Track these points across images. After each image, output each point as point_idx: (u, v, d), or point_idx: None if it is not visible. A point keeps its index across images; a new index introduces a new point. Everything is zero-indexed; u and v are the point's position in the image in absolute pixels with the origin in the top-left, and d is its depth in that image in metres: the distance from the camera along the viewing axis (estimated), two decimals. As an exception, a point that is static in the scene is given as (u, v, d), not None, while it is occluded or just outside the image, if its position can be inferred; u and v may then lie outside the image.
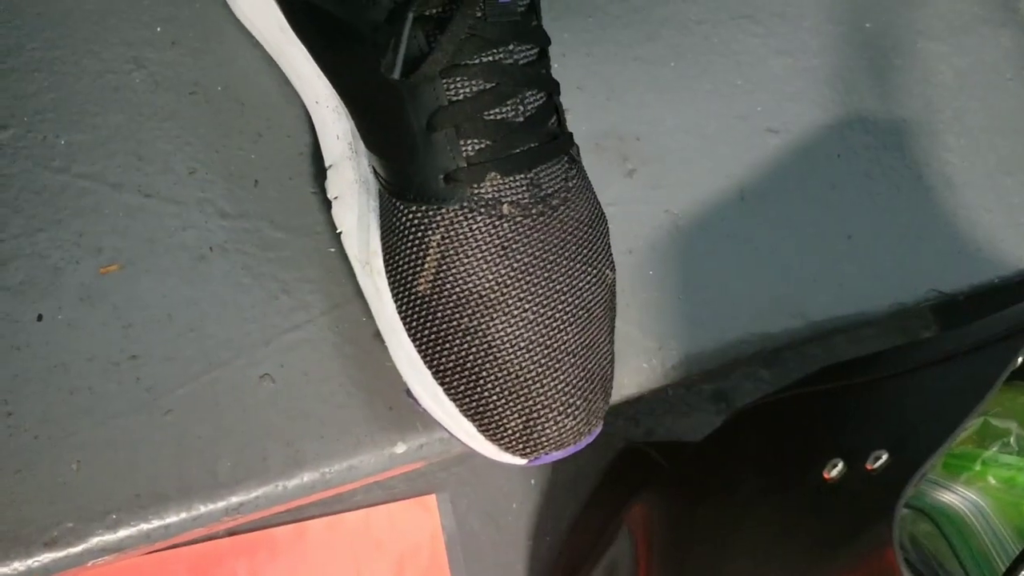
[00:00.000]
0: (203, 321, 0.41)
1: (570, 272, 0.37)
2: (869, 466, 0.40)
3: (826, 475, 0.42)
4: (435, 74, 0.34)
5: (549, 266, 0.37)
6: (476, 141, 0.35)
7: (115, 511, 0.38)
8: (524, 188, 0.36)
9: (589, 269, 0.38)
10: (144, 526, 0.38)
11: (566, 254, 0.37)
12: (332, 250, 0.44)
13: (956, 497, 0.46)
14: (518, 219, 0.36)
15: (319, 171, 0.44)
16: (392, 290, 0.38)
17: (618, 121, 0.52)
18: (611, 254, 0.40)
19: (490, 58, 0.35)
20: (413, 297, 0.37)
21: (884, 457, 0.40)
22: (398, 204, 0.37)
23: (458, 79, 0.35)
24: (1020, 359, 0.48)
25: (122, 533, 0.38)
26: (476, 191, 0.36)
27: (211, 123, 0.44)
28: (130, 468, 0.38)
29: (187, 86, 0.44)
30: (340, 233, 0.41)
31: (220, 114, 0.44)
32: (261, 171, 0.44)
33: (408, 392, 0.39)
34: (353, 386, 0.42)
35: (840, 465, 0.42)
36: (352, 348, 0.43)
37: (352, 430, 0.42)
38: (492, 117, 0.35)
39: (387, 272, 0.38)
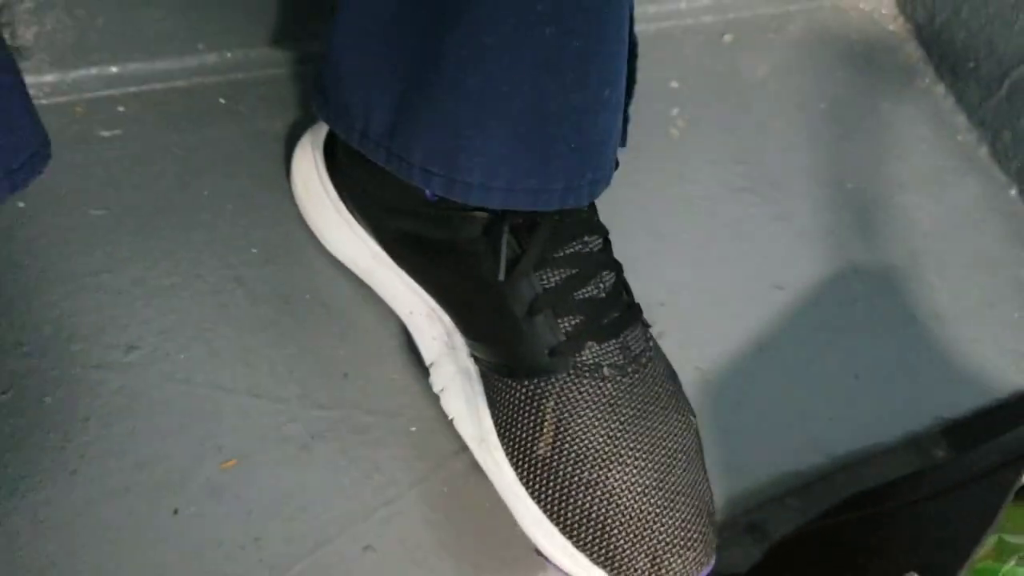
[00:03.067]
0: (311, 502, 0.47)
1: (666, 420, 0.44)
2: (903, 587, 0.45)
3: (866, 598, 0.48)
4: (529, 270, 0.42)
5: (649, 416, 0.43)
6: (571, 317, 0.43)
7: None
8: (618, 351, 0.43)
9: (679, 416, 0.44)
10: None
11: (660, 404, 0.44)
12: (414, 429, 0.50)
13: (985, 609, 0.51)
14: (617, 378, 0.43)
15: (397, 359, 0.51)
16: (511, 459, 0.44)
17: (643, 291, 0.60)
18: (689, 403, 0.47)
19: (571, 250, 0.43)
20: (534, 461, 0.43)
21: (915, 579, 0.45)
22: (509, 382, 0.44)
23: (548, 270, 0.43)
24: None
25: None
26: (578, 359, 0.43)
27: (303, 327, 0.51)
28: (259, 641, 0.44)
29: (281, 298, 0.52)
30: (452, 420, 0.48)
31: (309, 319, 0.52)
32: (348, 364, 0.51)
33: (537, 551, 0.44)
34: (443, 549, 0.48)
35: (877, 588, 0.47)
36: (439, 516, 0.49)
37: (445, 590, 0.47)
38: (581, 296, 0.43)
39: (503, 444, 0.44)
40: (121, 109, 0.55)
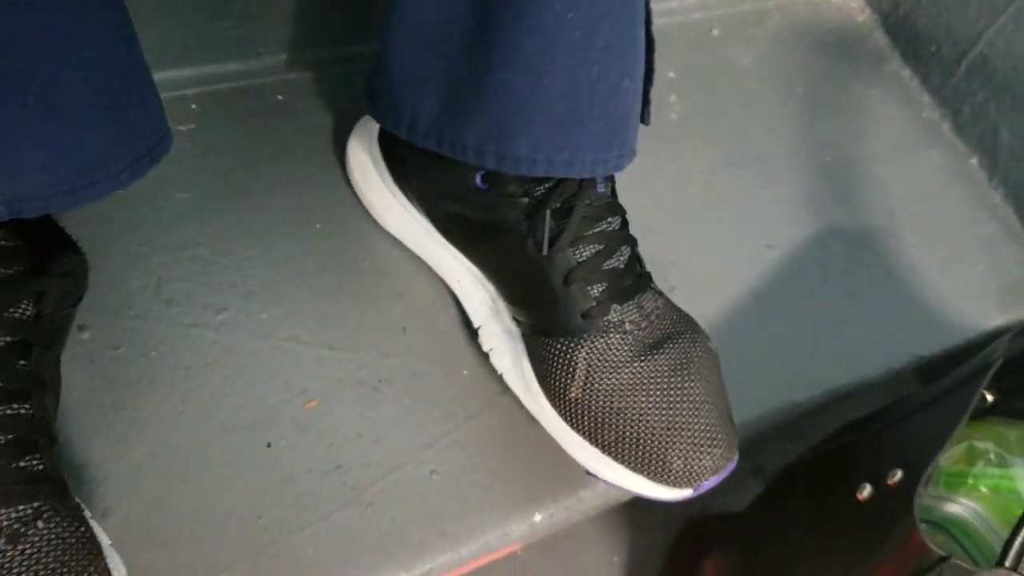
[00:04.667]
0: (382, 434, 0.55)
1: (682, 347, 0.51)
2: (890, 482, 0.54)
3: (859, 496, 0.56)
4: (566, 246, 0.50)
5: (666, 349, 0.51)
6: (599, 285, 0.51)
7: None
8: (635, 310, 0.51)
9: (696, 344, 0.52)
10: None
11: (674, 341, 0.51)
12: (465, 372, 0.58)
13: (959, 507, 0.59)
14: (636, 332, 0.51)
15: (447, 316, 0.59)
16: (551, 401, 0.52)
17: (654, 253, 0.68)
18: (706, 334, 0.54)
19: (598, 229, 0.51)
20: (569, 402, 0.51)
21: (900, 474, 0.54)
22: (546, 340, 0.52)
23: (581, 247, 0.51)
24: (989, 397, 0.63)
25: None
26: (606, 319, 0.51)
27: (365, 290, 0.59)
28: (347, 549, 0.51)
29: (344, 265, 0.60)
30: (502, 375, 0.56)
31: (370, 283, 0.60)
32: (406, 320, 0.59)
33: (587, 471, 0.53)
34: (496, 473, 0.56)
35: (868, 488, 0.56)
36: (491, 444, 0.56)
37: (501, 506, 0.55)
38: (606, 267, 0.51)
39: (543, 390, 0.53)
40: (194, 107, 0.63)
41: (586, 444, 0.52)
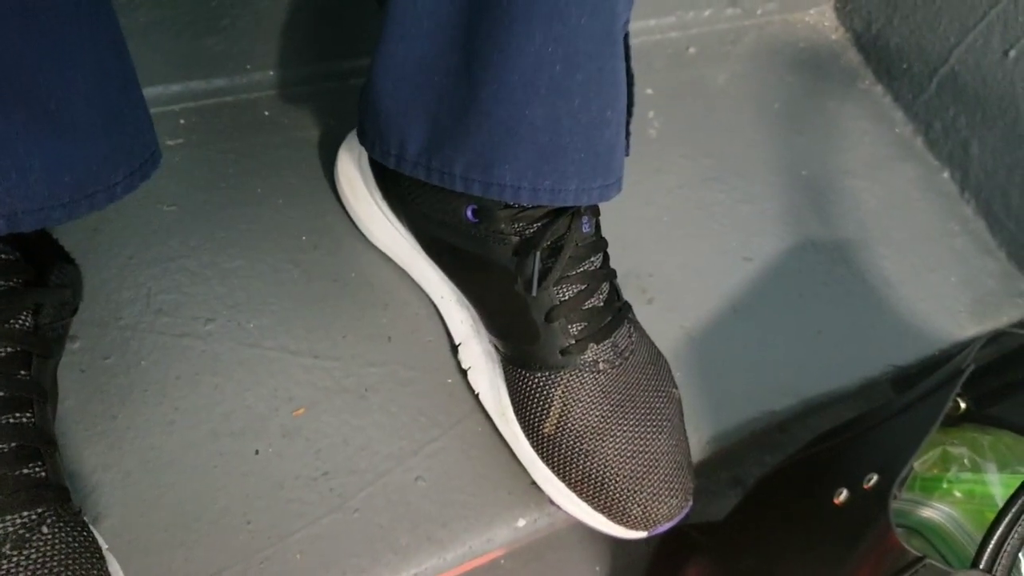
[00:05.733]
0: (369, 441, 0.56)
1: (647, 399, 0.53)
2: (866, 486, 0.55)
3: (836, 501, 0.57)
4: (551, 285, 0.52)
5: (634, 398, 0.53)
6: (579, 324, 0.52)
7: (327, 588, 0.52)
8: (610, 349, 0.53)
9: (660, 393, 0.54)
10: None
11: (642, 386, 0.54)
12: (449, 381, 0.59)
13: (934, 511, 0.61)
14: (609, 372, 0.53)
15: (432, 326, 0.61)
16: (524, 432, 0.54)
17: (633, 265, 0.70)
18: (672, 378, 0.56)
19: (582, 269, 0.53)
20: (542, 436, 0.53)
21: (875, 478, 0.55)
22: (523, 372, 0.54)
23: (564, 286, 0.52)
24: (963, 404, 0.65)
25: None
26: (582, 358, 0.52)
27: (351, 300, 0.60)
28: (335, 554, 0.52)
29: (331, 276, 0.61)
30: (478, 395, 0.58)
31: (356, 293, 0.61)
32: (391, 330, 0.60)
33: (551, 501, 0.55)
34: (481, 479, 0.57)
35: (845, 492, 0.57)
36: (475, 451, 0.57)
37: (485, 511, 0.56)
38: (587, 307, 0.53)
39: (518, 420, 0.54)
40: (182, 121, 0.64)
41: (553, 478, 0.54)
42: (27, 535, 0.40)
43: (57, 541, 0.41)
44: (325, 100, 0.69)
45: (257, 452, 0.54)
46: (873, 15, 0.92)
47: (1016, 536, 0.49)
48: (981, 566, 0.52)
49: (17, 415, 0.43)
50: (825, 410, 0.71)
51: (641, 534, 0.53)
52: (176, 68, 0.64)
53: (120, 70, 0.44)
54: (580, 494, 0.53)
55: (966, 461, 0.61)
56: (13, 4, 0.36)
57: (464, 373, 0.59)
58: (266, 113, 0.67)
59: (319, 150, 0.67)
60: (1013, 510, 0.49)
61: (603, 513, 0.53)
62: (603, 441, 0.52)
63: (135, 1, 0.60)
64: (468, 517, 0.56)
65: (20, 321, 0.44)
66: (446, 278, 0.59)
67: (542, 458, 0.54)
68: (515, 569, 0.77)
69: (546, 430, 0.53)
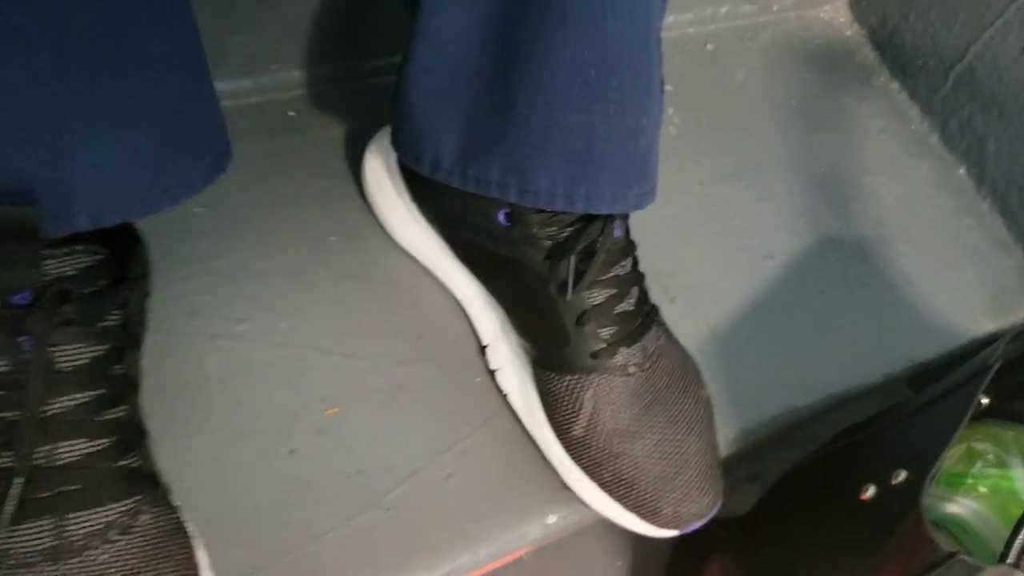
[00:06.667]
0: (401, 440, 0.56)
1: (676, 399, 0.54)
2: (893, 482, 0.55)
3: (863, 496, 0.58)
4: (583, 289, 0.52)
5: (663, 400, 0.53)
6: (610, 328, 0.53)
7: (361, 586, 0.52)
8: (639, 353, 0.53)
9: (687, 395, 0.55)
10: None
11: (671, 388, 0.54)
12: (478, 380, 0.60)
13: (959, 507, 0.61)
14: (639, 375, 0.53)
15: (460, 325, 0.61)
16: (555, 433, 0.55)
17: (656, 263, 0.70)
18: (701, 378, 0.57)
19: (612, 273, 0.53)
20: (573, 438, 0.53)
21: (903, 474, 0.55)
22: (552, 375, 0.54)
23: (596, 290, 0.52)
24: (985, 400, 0.65)
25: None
26: (612, 361, 0.52)
27: (380, 300, 0.61)
28: (368, 553, 0.53)
29: (359, 276, 0.61)
30: (506, 395, 0.58)
31: (385, 293, 0.61)
32: (420, 329, 0.60)
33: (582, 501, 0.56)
34: (511, 476, 0.57)
35: (872, 488, 0.58)
36: (505, 449, 0.58)
37: (516, 508, 0.56)
38: (617, 311, 0.53)
39: (549, 421, 0.55)
40: (209, 123, 0.64)
41: (585, 479, 0.54)
42: (129, 521, 0.43)
43: (155, 527, 0.43)
44: (350, 100, 0.69)
45: (291, 451, 0.54)
46: (888, 11, 0.92)
47: (1046, 531, 0.49)
48: (1009, 560, 0.52)
49: (114, 410, 0.44)
50: (847, 406, 0.71)
51: (672, 533, 0.54)
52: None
53: (195, 62, 0.44)
54: (611, 494, 0.54)
55: (991, 457, 0.62)
56: None
57: (492, 374, 0.59)
58: (291, 114, 0.67)
59: (345, 150, 0.67)
60: (1043, 506, 0.50)
61: (635, 512, 0.54)
62: (633, 442, 0.52)
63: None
64: (500, 514, 0.56)
65: (112, 318, 0.45)
66: (474, 279, 0.59)
67: (573, 459, 0.54)
68: (538, 564, 0.78)
69: (576, 432, 0.53)
